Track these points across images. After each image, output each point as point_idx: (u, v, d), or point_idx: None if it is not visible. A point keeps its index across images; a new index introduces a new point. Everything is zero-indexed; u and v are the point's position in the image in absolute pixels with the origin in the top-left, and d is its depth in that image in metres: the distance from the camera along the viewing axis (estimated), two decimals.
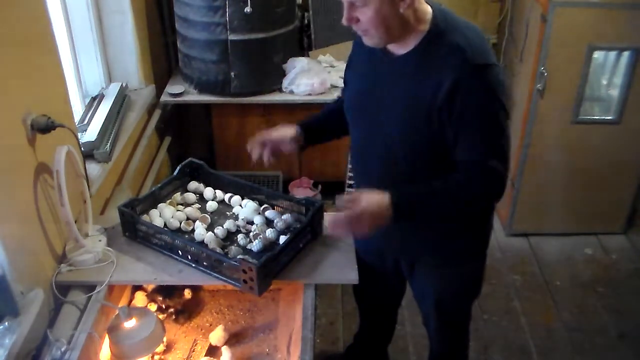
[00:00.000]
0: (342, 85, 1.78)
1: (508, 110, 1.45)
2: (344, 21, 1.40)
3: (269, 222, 1.86)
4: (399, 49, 1.46)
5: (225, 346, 1.84)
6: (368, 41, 1.46)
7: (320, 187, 3.13)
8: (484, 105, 1.40)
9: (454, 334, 1.97)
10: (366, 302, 2.17)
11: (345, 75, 1.73)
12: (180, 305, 1.98)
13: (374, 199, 1.43)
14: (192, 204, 1.97)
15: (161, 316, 1.91)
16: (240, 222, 1.88)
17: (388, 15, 1.36)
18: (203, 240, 1.78)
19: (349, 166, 2.91)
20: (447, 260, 1.71)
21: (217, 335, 1.85)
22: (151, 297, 1.92)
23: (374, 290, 2.01)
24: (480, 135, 1.42)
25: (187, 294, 2.00)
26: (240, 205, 1.97)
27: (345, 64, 1.74)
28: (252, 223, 1.88)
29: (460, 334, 1.98)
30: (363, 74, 1.59)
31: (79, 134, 2.12)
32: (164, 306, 1.93)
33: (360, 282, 1.71)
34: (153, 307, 1.90)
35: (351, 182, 3.04)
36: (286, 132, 1.74)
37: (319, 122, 1.84)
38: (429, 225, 1.62)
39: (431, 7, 1.45)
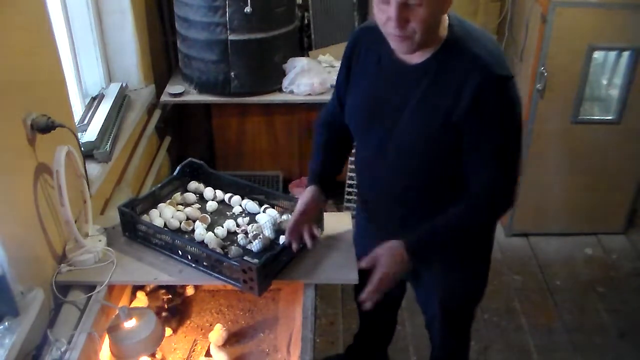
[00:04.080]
0: (336, 92, 1.71)
1: (522, 122, 1.43)
2: (393, 24, 1.27)
3: (268, 222, 1.86)
4: (413, 58, 1.40)
5: (218, 347, 1.84)
6: (402, 47, 1.35)
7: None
8: (503, 120, 1.37)
9: (457, 337, 1.96)
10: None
11: (340, 83, 1.66)
12: (181, 304, 1.99)
13: (392, 257, 1.47)
14: (192, 204, 1.97)
15: (164, 314, 1.91)
16: (240, 222, 1.89)
17: (437, 16, 1.31)
18: (203, 240, 1.78)
19: (350, 167, 2.91)
20: (452, 265, 1.70)
21: (216, 335, 1.85)
22: (151, 296, 1.93)
23: None
24: (495, 151, 1.39)
25: (190, 290, 2.01)
26: (240, 205, 1.97)
27: None
28: (252, 223, 1.88)
29: (462, 337, 1.98)
30: (372, 82, 1.52)
31: (79, 134, 2.12)
32: (166, 306, 1.93)
33: (361, 283, 1.71)
34: (156, 303, 1.90)
35: (351, 182, 3.05)
36: (309, 205, 1.64)
37: (326, 164, 1.73)
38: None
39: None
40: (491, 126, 1.36)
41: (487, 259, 1.76)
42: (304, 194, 1.67)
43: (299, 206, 1.65)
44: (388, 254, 1.49)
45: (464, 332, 1.96)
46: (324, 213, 1.83)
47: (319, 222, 1.77)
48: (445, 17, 1.38)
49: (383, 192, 1.61)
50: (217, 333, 1.86)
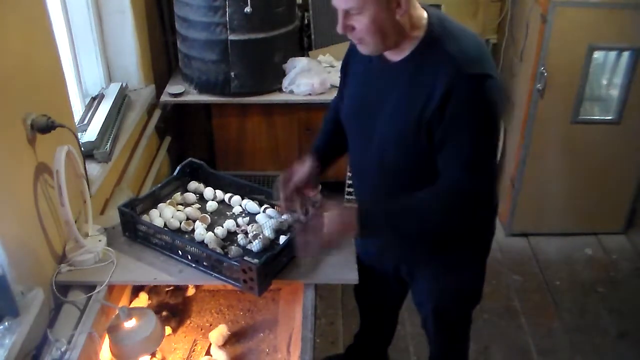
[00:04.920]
0: (338, 89, 1.72)
1: (499, 124, 1.39)
2: (339, 29, 1.37)
3: (268, 222, 1.86)
4: (394, 56, 1.43)
5: (218, 346, 1.84)
6: (363, 49, 1.42)
7: (320, 187, 3.13)
8: (472, 121, 1.34)
9: (452, 338, 1.96)
10: (366, 303, 2.17)
11: (340, 82, 1.68)
12: (181, 304, 1.99)
13: (336, 217, 1.44)
14: (192, 204, 1.97)
15: (164, 314, 1.91)
16: (240, 222, 1.89)
17: (384, 22, 1.33)
18: (203, 240, 1.78)
19: (349, 167, 2.91)
20: (445, 268, 1.69)
21: (217, 334, 1.85)
22: (151, 296, 1.93)
23: (374, 292, 2.01)
24: (460, 151, 1.37)
25: (191, 289, 2.01)
26: (240, 205, 1.97)
27: None
28: (252, 223, 1.88)
29: (459, 339, 1.97)
30: (360, 81, 1.55)
31: (79, 134, 2.12)
32: (168, 301, 1.94)
33: (361, 283, 1.71)
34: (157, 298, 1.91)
35: (351, 182, 3.05)
36: (304, 168, 1.65)
37: (328, 139, 1.76)
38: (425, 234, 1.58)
39: (427, 12, 1.41)
40: (459, 126, 1.35)
41: (482, 265, 1.74)
42: (300, 162, 1.67)
43: (295, 169, 1.65)
44: (333, 212, 1.46)
45: (459, 335, 1.95)
46: (324, 213, 1.83)
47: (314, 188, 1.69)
48: (423, 16, 1.39)
49: (370, 189, 1.63)
50: (218, 332, 1.86)
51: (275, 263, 1.66)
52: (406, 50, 1.40)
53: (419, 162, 1.45)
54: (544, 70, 2.70)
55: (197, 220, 1.87)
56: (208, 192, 2.01)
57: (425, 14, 1.40)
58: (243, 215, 1.95)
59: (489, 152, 1.40)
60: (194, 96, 2.92)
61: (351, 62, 1.60)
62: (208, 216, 1.90)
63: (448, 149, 1.38)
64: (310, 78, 2.85)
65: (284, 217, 1.85)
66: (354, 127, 1.59)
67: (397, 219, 1.44)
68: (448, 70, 1.32)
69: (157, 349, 1.72)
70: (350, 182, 3.06)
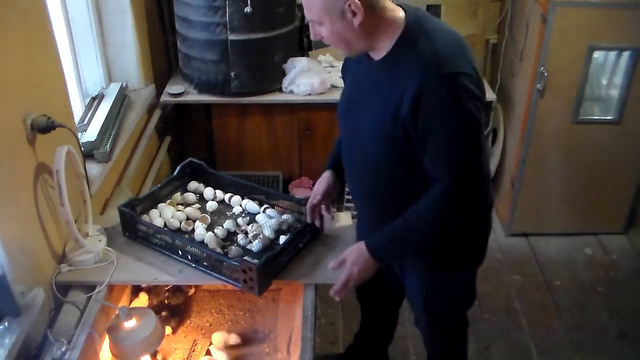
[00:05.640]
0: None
1: (478, 120, 1.36)
2: (311, 36, 1.46)
3: (268, 222, 1.86)
4: (375, 55, 1.45)
5: (218, 347, 1.84)
6: (341, 53, 1.49)
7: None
8: (448, 119, 1.33)
9: (446, 339, 1.94)
10: (368, 299, 2.16)
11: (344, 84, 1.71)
12: (181, 304, 1.99)
13: (356, 259, 1.53)
14: (192, 204, 1.98)
15: (163, 314, 1.91)
16: (240, 222, 1.89)
17: (342, 32, 1.37)
18: (203, 240, 1.78)
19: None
20: (434, 267, 1.67)
21: (219, 338, 1.86)
22: (151, 296, 1.93)
23: (375, 287, 2.00)
24: (443, 151, 1.37)
25: (191, 289, 2.01)
26: (240, 205, 1.97)
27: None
28: (252, 223, 1.88)
29: (453, 340, 1.95)
30: (351, 81, 1.59)
31: (79, 134, 2.12)
32: (166, 301, 1.94)
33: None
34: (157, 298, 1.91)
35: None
36: (326, 186, 1.74)
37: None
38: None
39: (405, 11, 1.41)
40: (434, 129, 1.35)
41: (474, 267, 1.72)
42: (321, 178, 1.77)
43: (316, 187, 1.75)
44: (353, 255, 1.54)
45: (453, 336, 1.93)
46: (324, 213, 1.84)
47: (334, 202, 1.85)
48: (399, 16, 1.40)
49: (358, 186, 1.65)
50: (220, 337, 1.86)
51: (275, 263, 1.66)
52: (384, 50, 1.42)
53: (399, 159, 1.46)
54: (544, 70, 2.70)
55: (197, 220, 1.87)
56: (208, 192, 2.01)
57: (402, 14, 1.41)
58: (243, 215, 1.95)
59: (470, 150, 1.39)
60: (194, 96, 2.92)
61: (348, 63, 1.63)
62: (208, 216, 1.90)
63: (429, 153, 1.39)
64: (310, 78, 2.85)
65: (284, 217, 1.86)
66: (343, 124, 1.61)
67: (403, 239, 1.50)
68: (419, 71, 1.34)
69: (157, 349, 1.72)
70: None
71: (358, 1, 1.31)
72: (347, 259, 1.55)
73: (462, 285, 1.75)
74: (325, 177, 1.76)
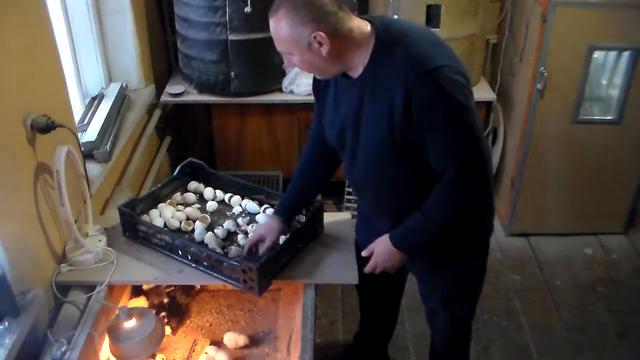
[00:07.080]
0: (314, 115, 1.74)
1: (468, 105, 1.39)
2: (285, 64, 1.52)
3: None
4: (353, 72, 1.46)
5: (218, 347, 1.84)
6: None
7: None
8: (439, 113, 1.37)
9: (458, 331, 1.97)
10: (368, 295, 2.16)
11: (316, 107, 1.70)
12: (181, 303, 1.98)
13: (383, 249, 1.64)
14: (192, 204, 1.98)
15: (163, 314, 1.91)
16: (240, 222, 1.89)
17: (312, 60, 1.40)
18: (203, 240, 1.78)
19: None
20: (449, 254, 1.71)
21: (229, 338, 1.87)
22: (151, 296, 1.93)
23: (375, 283, 2.00)
24: (442, 145, 1.41)
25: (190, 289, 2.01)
26: (240, 205, 1.97)
27: None
28: (252, 223, 1.88)
29: (463, 332, 1.98)
30: (334, 105, 1.58)
31: (79, 134, 2.12)
32: (165, 300, 1.94)
33: (362, 275, 1.72)
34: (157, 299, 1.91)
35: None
36: (273, 234, 1.72)
37: (294, 195, 1.79)
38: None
39: (371, 22, 1.42)
40: (429, 125, 1.38)
41: (485, 248, 1.77)
42: (267, 222, 1.76)
43: (258, 230, 1.74)
44: (380, 247, 1.65)
45: (464, 327, 1.97)
46: (324, 213, 1.84)
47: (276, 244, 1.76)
48: (366, 30, 1.41)
49: (371, 200, 1.69)
50: (231, 337, 1.87)
51: (275, 263, 1.66)
52: (360, 66, 1.43)
53: (408, 166, 1.50)
54: (544, 70, 2.70)
55: (197, 220, 1.87)
56: (208, 192, 2.01)
57: (368, 28, 1.42)
58: (243, 215, 1.95)
59: (468, 136, 1.42)
60: (194, 96, 2.92)
61: (322, 86, 1.62)
62: (208, 216, 1.90)
63: (430, 150, 1.42)
64: (310, 78, 2.84)
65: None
66: (340, 146, 1.63)
67: (422, 229, 1.56)
68: (400, 77, 1.36)
69: (157, 349, 1.72)
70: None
71: (323, 33, 1.33)
72: (375, 250, 1.66)
73: (477, 268, 1.80)
74: (270, 223, 1.74)
